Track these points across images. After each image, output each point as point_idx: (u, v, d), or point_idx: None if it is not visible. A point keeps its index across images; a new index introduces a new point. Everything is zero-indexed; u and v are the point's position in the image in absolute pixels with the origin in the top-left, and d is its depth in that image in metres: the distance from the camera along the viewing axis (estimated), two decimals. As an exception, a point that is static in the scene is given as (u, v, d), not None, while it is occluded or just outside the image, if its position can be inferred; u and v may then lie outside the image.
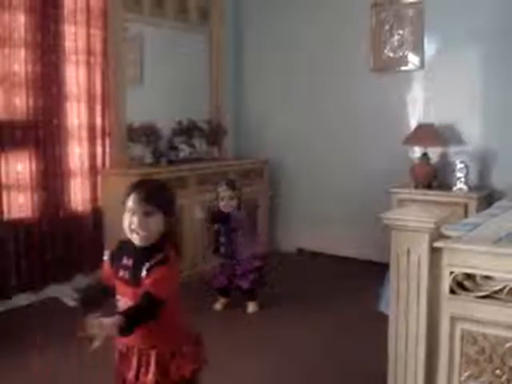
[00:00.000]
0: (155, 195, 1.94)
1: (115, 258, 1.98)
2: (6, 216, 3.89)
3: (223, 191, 3.96)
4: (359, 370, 3.04)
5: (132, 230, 1.89)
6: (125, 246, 1.96)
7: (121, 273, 1.93)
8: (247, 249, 4.02)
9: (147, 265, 1.86)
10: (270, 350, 3.35)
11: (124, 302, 1.92)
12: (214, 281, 4.06)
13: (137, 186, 1.95)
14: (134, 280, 1.88)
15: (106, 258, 2.02)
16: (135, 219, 1.87)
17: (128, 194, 1.91)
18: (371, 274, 3.50)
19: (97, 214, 4.49)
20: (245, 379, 2.97)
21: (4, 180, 3.88)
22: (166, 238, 1.95)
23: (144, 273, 1.86)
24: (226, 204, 3.95)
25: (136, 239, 1.90)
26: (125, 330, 1.75)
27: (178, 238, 2.11)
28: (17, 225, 3.97)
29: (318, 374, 3.03)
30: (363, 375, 2.95)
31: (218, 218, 3.97)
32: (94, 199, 4.48)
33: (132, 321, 1.78)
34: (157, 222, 1.90)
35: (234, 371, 3.04)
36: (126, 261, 1.93)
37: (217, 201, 4.00)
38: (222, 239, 3.98)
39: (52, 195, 4.17)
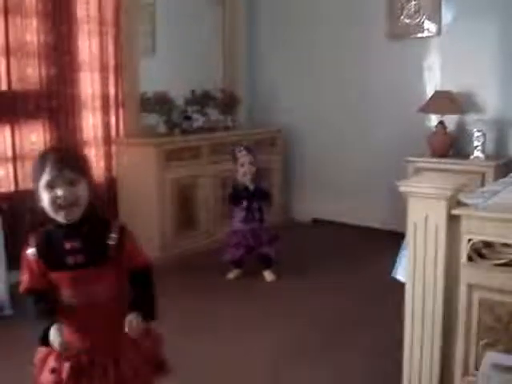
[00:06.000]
0: (76, 160, 1.70)
1: (46, 251, 1.66)
2: (20, 187, 3.90)
3: (242, 156, 3.90)
4: (377, 335, 3.06)
5: (58, 207, 1.62)
6: (54, 233, 1.68)
7: (70, 260, 1.64)
8: (268, 217, 4.06)
9: (111, 237, 1.66)
10: (292, 317, 3.37)
11: (91, 291, 1.66)
12: (229, 251, 4.00)
13: (51, 155, 1.65)
14: (95, 261, 1.65)
15: (32, 254, 1.66)
16: (60, 192, 1.61)
17: (42, 167, 1.63)
18: (387, 242, 3.49)
19: (111, 183, 4.49)
20: (270, 347, 2.99)
21: (18, 151, 3.88)
22: (93, 207, 1.70)
23: (111, 243, 1.65)
24: (247, 170, 3.89)
25: (65, 215, 1.62)
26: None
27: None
28: (31, 196, 3.98)
29: (336, 339, 3.05)
30: (381, 341, 2.97)
31: (243, 194, 3.91)
32: (109, 169, 4.48)
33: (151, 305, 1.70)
34: (84, 190, 1.65)
35: (258, 339, 3.07)
36: (70, 245, 1.65)
37: (236, 166, 3.94)
38: (255, 205, 3.92)
39: (66, 166, 4.17)
